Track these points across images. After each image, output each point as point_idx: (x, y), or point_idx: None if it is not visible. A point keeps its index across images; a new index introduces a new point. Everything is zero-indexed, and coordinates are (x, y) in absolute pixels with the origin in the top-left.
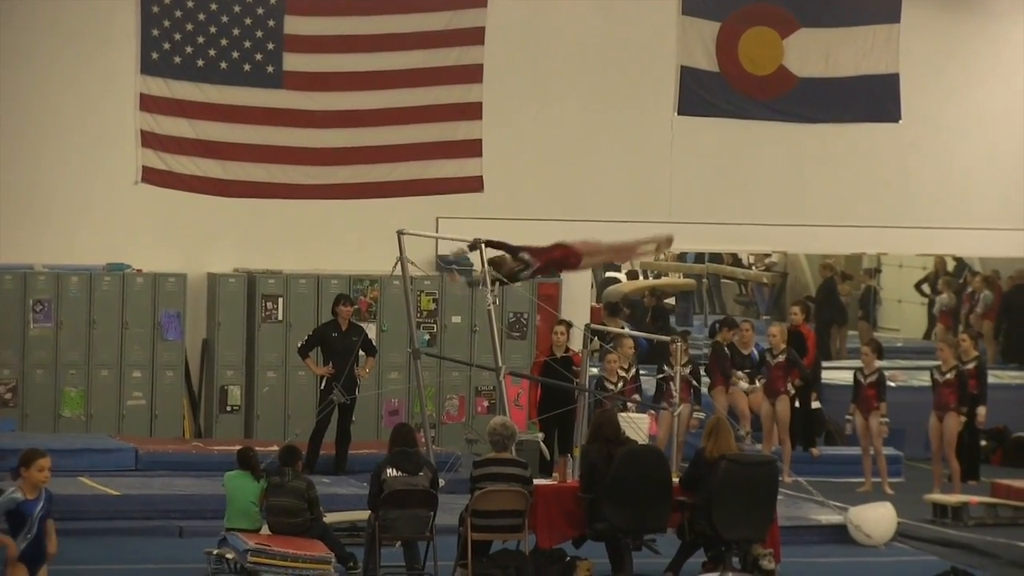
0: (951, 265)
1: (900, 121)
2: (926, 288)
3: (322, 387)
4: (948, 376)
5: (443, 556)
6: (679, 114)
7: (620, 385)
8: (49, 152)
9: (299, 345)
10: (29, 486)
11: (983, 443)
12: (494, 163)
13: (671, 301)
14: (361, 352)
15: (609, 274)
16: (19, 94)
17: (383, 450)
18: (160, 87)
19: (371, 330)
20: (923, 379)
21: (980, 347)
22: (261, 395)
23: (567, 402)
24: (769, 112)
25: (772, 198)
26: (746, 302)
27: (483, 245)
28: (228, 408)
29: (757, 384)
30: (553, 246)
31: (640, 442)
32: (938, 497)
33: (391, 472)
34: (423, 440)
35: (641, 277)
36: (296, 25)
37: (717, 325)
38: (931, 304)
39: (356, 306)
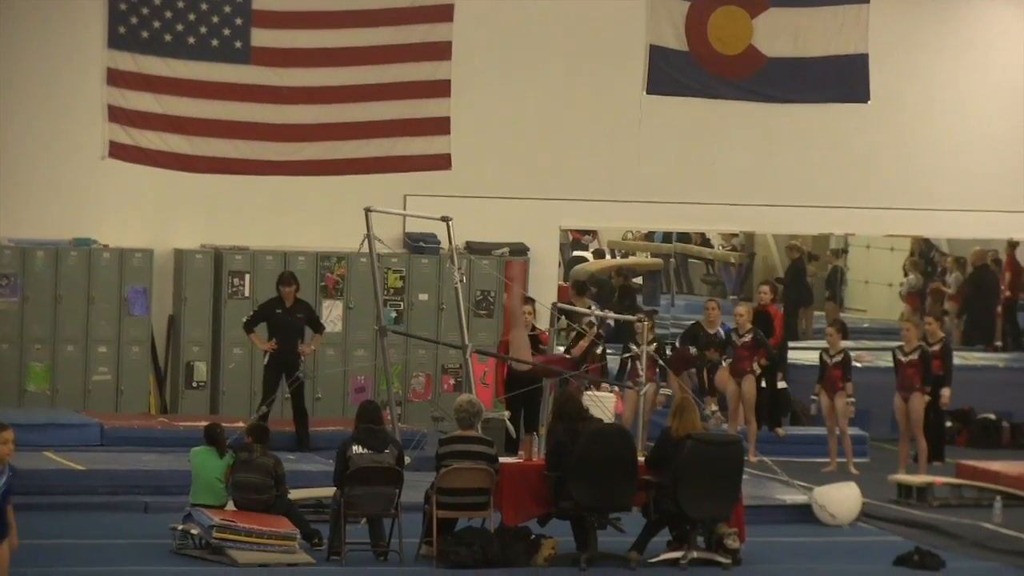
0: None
1: (869, 102)
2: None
3: (265, 362)
4: (912, 356)
5: (408, 533)
6: (648, 93)
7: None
8: (16, 127)
9: (244, 320)
10: None
11: (948, 424)
12: (462, 141)
13: (638, 280)
14: (309, 329)
15: (576, 253)
16: None
17: (349, 427)
18: (127, 62)
19: (338, 307)
20: (888, 360)
21: (945, 328)
22: (227, 371)
23: (533, 380)
24: (738, 92)
25: (740, 178)
26: (713, 282)
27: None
28: (194, 384)
29: (723, 364)
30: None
31: (606, 421)
32: (903, 478)
33: (357, 449)
34: (389, 417)
35: (608, 256)
36: (264, 0)
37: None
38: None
39: (296, 287)
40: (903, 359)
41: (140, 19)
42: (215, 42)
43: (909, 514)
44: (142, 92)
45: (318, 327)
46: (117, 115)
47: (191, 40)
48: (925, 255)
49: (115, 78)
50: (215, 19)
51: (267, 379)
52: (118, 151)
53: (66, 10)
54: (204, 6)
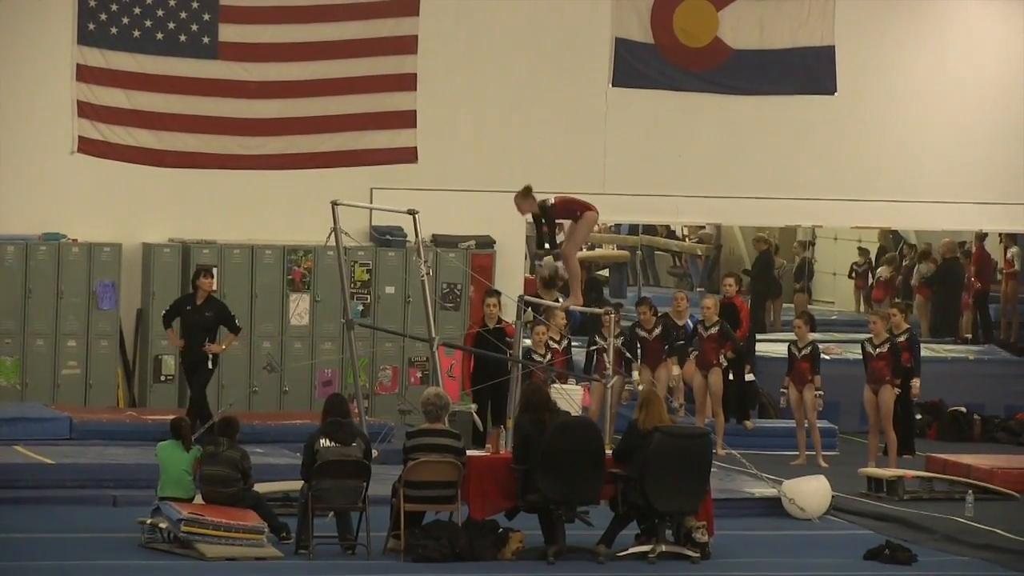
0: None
1: (835, 94)
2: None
3: (180, 359)
4: (881, 349)
5: (376, 527)
6: (613, 86)
7: (548, 357)
8: None
9: (162, 314)
10: None
11: (918, 417)
12: (428, 134)
13: (604, 273)
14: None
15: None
16: None
17: (316, 420)
18: (96, 58)
19: (305, 300)
20: (857, 352)
21: (911, 319)
22: None
23: (500, 373)
24: (703, 84)
25: (706, 170)
26: (680, 274)
27: (417, 216)
28: (162, 378)
29: (690, 356)
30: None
31: (573, 414)
32: (873, 471)
33: (324, 443)
34: (356, 411)
35: None
36: None
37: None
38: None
39: (212, 278)
40: (872, 351)
41: (109, 15)
42: (183, 37)
43: (879, 507)
44: (111, 88)
45: (232, 326)
46: (86, 110)
47: (159, 36)
48: (893, 246)
49: (84, 74)
50: (183, 15)
51: (185, 375)
52: (87, 146)
53: (35, 7)
54: (172, 2)
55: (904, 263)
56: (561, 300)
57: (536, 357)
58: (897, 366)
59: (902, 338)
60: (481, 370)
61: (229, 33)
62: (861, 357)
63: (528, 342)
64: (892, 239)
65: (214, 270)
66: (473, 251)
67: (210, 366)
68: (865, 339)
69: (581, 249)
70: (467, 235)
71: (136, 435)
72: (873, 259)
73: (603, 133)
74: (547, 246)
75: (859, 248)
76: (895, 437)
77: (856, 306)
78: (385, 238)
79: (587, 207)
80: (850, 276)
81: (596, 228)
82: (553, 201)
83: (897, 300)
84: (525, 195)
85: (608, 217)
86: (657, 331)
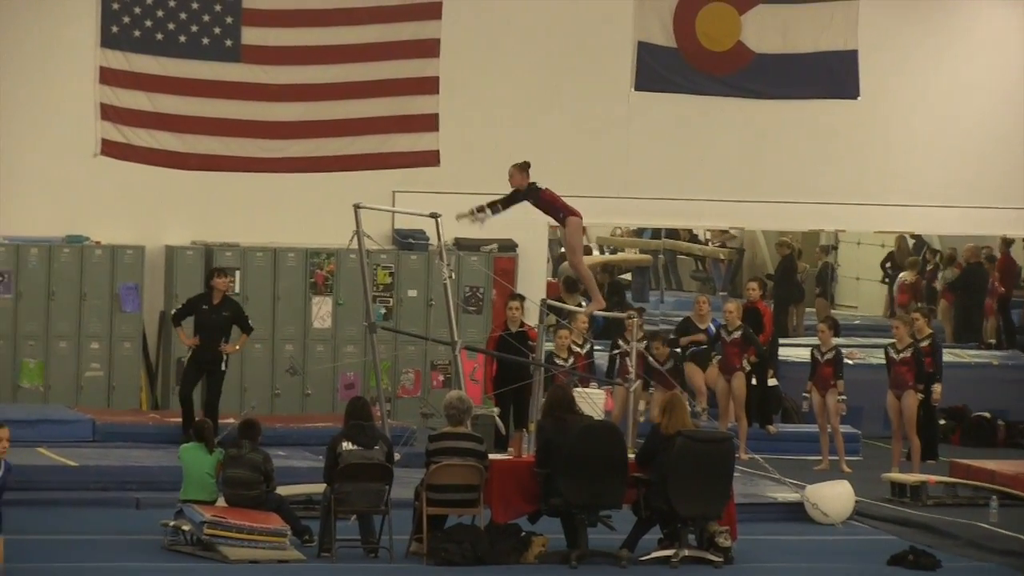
0: (910, 243)
1: (859, 98)
2: (889, 268)
3: (188, 357)
4: (904, 354)
5: (398, 530)
6: (636, 90)
7: (571, 361)
8: (9, 125)
9: (172, 313)
10: None
11: (942, 422)
12: (451, 137)
13: (627, 276)
14: (237, 328)
15: (564, 249)
16: None
17: (339, 423)
18: (120, 60)
19: (327, 303)
20: (880, 357)
21: (934, 324)
22: None
23: (523, 377)
24: (726, 88)
25: (729, 174)
26: (702, 278)
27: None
28: None
29: (713, 360)
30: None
31: (596, 418)
32: (896, 476)
33: (346, 446)
34: (378, 414)
35: (597, 252)
36: None
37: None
38: (892, 282)
39: (229, 279)
40: (895, 357)
41: (132, 18)
42: (206, 40)
43: (903, 513)
44: (134, 90)
45: (246, 327)
46: (109, 113)
47: (182, 39)
48: (916, 251)
49: (107, 76)
50: (206, 18)
51: (185, 373)
52: (110, 149)
53: (59, 9)
54: (195, 5)
55: (927, 268)
56: (584, 304)
57: (559, 361)
58: (920, 371)
59: (925, 343)
60: (504, 374)
61: (252, 36)
62: (884, 362)
63: (551, 346)
64: (915, 244)
65: (236, 272)
66: (495, 254)
67: (223, 367)
68: (888, 344)
69: (588, 252)
70: (489, 239)
71: (159, 438)
72: (886, 263)
73: (626, 137)
74: (480, 207)
75: (890, 252)
76: (918, 442)
77: (885, 310)
78: (407, 241)
79: (571, 211)
80: (883, 281)
81: (618, 231)
82: (543, 189)
83: (920, 305)
84: (522, 168)
85: (630, 221)
86: (669, 364)
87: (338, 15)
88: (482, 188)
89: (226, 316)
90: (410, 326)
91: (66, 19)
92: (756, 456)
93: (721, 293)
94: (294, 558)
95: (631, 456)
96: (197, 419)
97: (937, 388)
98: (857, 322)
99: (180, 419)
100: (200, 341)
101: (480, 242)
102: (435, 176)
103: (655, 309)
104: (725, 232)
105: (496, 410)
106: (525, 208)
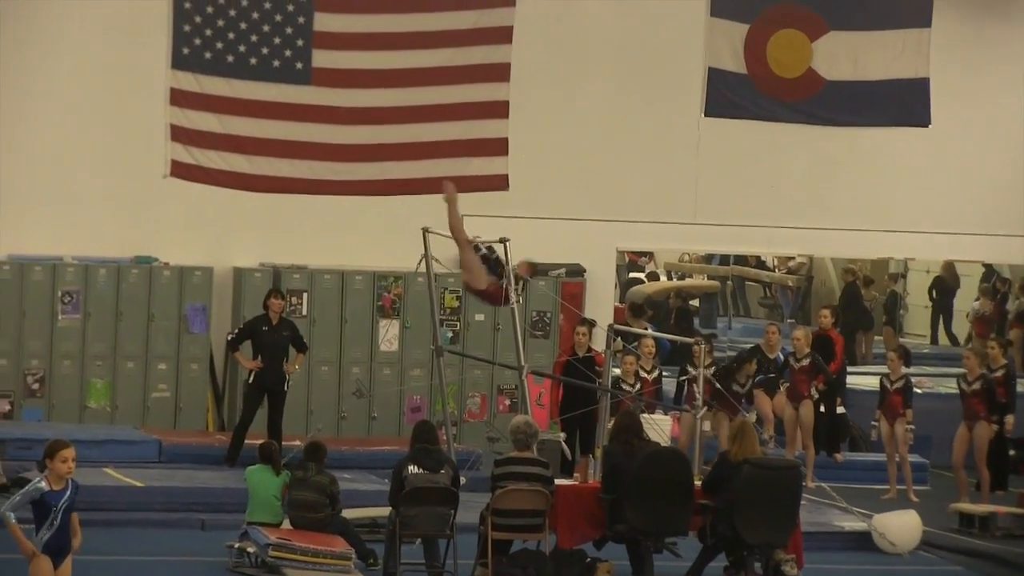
0: (979, 271)
1: (930, 126)
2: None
3: (249, 380)
4: (975, 386)
5: (463, 554)
6: (706, 115)
7: (638, 386)
8: (80, 145)
9: (229, 337)
10: (55, 477)
11: (1012, 453)
12: (520, 162)
13: (695, 303)
14: (292, 348)
15: (633, 275)
16: (52, 88)
17: (404, 447)
18: (190, 82)
19: (394, 326)
20: (949, 386)
21: (1008, 355)
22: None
23: (589, 402)
24: (796, 115)
25: (798, 201)
26: (770, 305)
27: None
28: None
29: (781, 388)
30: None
31: (662, 444)
32: (964, 506)
33: (412, 469)
34: (444, 438)
35: (665, 278)
36: (325, 22)
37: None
38: (943, 309)
39: (285, 300)
40: (967, 388)
41: (203, 40)
42: (276, 63)
43: (971, 543)
44: (204, 112)
45: (301, 346)
46: (179, 135)
47: (253, 61)
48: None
49: (178, 98)
50: (277, 40)
51: (248, 397)
52: (179, 170)
53: (131, 31)
54: (266, 28)
55: (998, 297)
56: (650, 329)
57: (625, 386)
58: (992, 402)
59: (999, 372)
60: (570, 399)
61: (322, 59)
62: (956, 392)
63: (617, 371)
64: (984, 272)
65: (304, 295)
66: (563, 279)
67: (285, 388)
68: (959, 375)
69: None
70: (558, 263)
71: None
72: (932, 290)
73: (695, 162)
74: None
75: (936, 277)
76: (988, 473)
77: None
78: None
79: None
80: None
81: (686, 257)
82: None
83: (995, 335)
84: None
85: (699, 247)
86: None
87: (408, 39)
88: (550, 212)
89: (286, 336)
90: (477, 350)
91: (138, 41)
92: (823, 484)
93: (789, 320)
94: None
95: (697, 483)
96: (263, 441)
97: (1009, 419)
98: (926, 351)
99: (247, 441)
100: (263, 363)
101: (548, 266)
102: (504, 200)
103: (723, 335)
104: (791, 259)
105: (562, 435)
106: (594, 233)
